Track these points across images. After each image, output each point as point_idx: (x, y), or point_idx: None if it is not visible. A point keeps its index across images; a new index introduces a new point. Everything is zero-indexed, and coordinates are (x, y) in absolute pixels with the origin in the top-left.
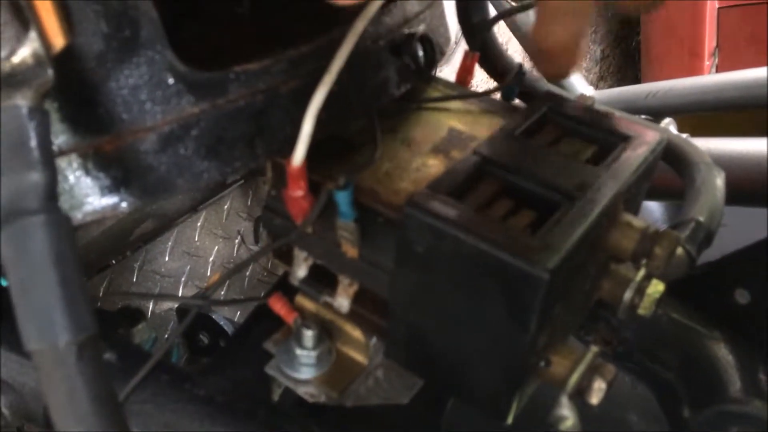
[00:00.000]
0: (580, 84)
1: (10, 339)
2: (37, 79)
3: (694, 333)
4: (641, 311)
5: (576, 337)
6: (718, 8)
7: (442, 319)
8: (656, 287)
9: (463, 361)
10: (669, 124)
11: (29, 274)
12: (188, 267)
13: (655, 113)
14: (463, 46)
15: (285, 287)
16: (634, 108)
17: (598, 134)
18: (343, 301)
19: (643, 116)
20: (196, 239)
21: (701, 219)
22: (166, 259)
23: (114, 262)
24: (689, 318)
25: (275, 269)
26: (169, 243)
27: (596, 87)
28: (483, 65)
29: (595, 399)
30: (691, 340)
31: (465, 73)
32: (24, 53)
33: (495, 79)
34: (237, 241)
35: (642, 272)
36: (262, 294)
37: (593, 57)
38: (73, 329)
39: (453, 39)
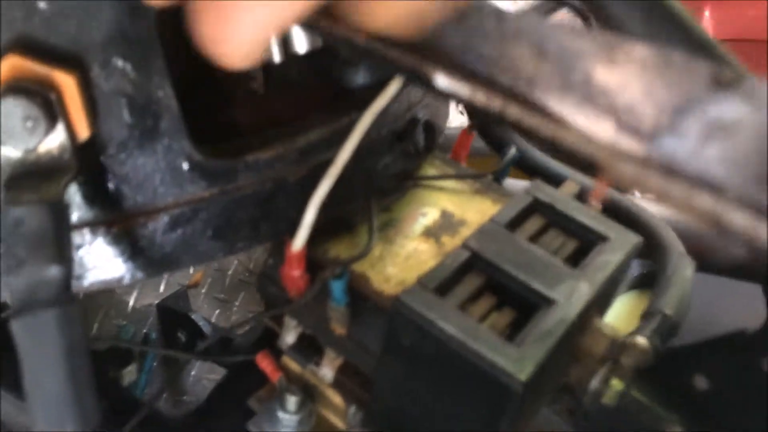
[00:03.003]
0: None
1: (8, 379)
2: (60, 169)
3: (653, 414)
4: (606, 401)
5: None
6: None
7: (421, 404)
8: (621, 381)
9: None
10: None
11: (42, 365)
12: None
13: None
14: None
15: (270, 340)
16: None
17: (580, 230)
18: (327, 372)
19: None
20: None
21: (669, 313)
22: None
23: None
24: (650, 399)
25: (256, 270)
26: None
27: None
28: (481, 136)
29: None
30: (650, 421)
31: (460, 149)
32: (50, 144)
33: (492, 150)
34: None
35: (608, 365)
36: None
37: None
38: (79, 422)
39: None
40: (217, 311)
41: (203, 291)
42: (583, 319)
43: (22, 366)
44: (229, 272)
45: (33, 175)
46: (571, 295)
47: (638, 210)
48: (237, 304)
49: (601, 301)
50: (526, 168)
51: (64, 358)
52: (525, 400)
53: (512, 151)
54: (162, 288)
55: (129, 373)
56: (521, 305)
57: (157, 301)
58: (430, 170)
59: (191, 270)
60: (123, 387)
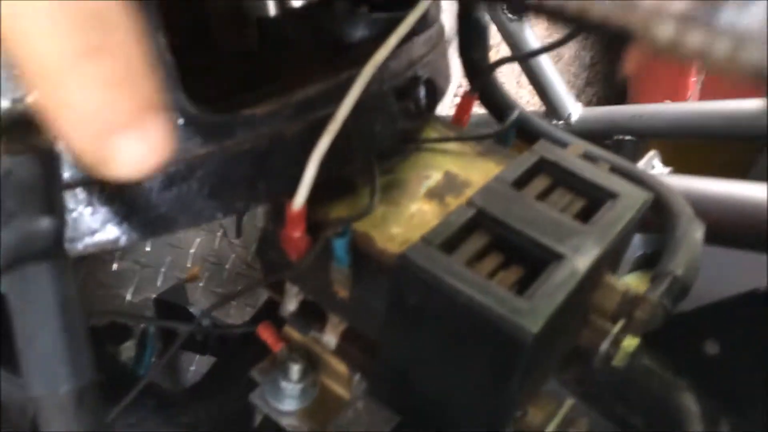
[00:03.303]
0: (567, 98)
1: (6, 355)
2: None
3: (662, 380)
4: (616, 363)
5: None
6: None
7: (428, 366)
8: (631, 341)
9: (445, 406)
10: (653, 157)
11: (34, 321)
12: (168, 258)
13: (639, 135)
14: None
15: (272, 311)
16: (619, 128)
17: (588, 188)
18: (331, 339)
19: (627, 137)
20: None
21: (679, 273)
22: (147, 248)
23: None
24: (659, 365)
25: (255, 263)
26: None
27: (583, 92)
28: (483, 103)
29: None
30: (659, 387)
31: (462, 112)
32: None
33: (493, 117)
34: (219, 234)
35: (619, 325)
36: (251, 318)
37: (582, 63)
38: (73, 377)
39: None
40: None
41: (201, 284)
42: (594, 274)
43: (14, 325)
44: (227, 266)
45: (22, 127)
46: (581, 249)
47: (645, 173)
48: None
49: (612, 259)
50: (528, 134)
51: (56, 313)
52: (536, 356)
53: (515, 112)
54: (159, 282)
55: (127, 349)
56: (529, 263)
57: (154, 295)
58: (432, 134)
59: (188, 264)
60: (121, 362)
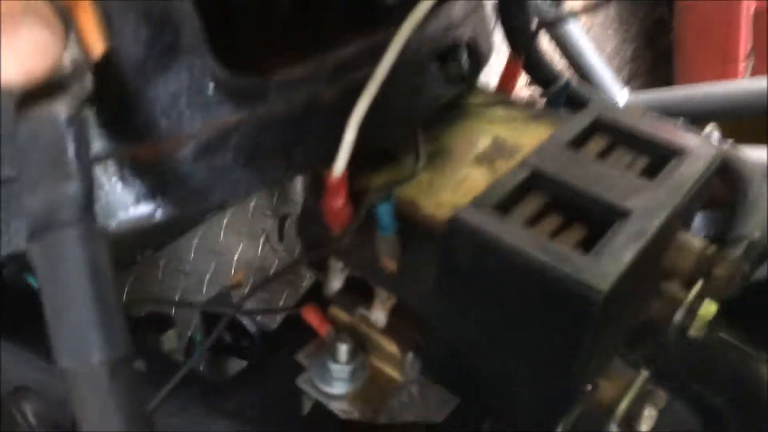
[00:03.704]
0: (612, 84)
1: (36, 345)
2: (75, 85)
3: (743, 354)
4: (692, 333)
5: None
6: (754, 10)
7: (485, 337)
8: (708, 308)
9: (506, 381)
10: (712, 131)
11: (63, 289)
12: (212, 265)
13: (692, 118)
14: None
15: (318, 294)
16: (670, 112)
17: (651, 145)
18: (379, 315)
19: (680, 119)
20: (221, 237)
21: (755, 236)
22: (191, 257)
23: (140, 258)
24: (738, 338)
25: (299, 267)
26: (195, 240)
27: (626, 86)
28: (527, 71)
29: (645, 427)
30: (739, 362)
31: (508, 79)
32: (63, 59)
33: (539, 86)
34: (261, 239)
35: (694, 292)
36: (295, 303)
37: (624, 57)
38: (106, 348)
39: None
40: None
41: (246, 291)
42: (666, 233)
43: (42, 293)
44: (271, 271)
45: (47, 92)
46: (650, 205)
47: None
48: (281, 303)
49: (684, 218)
50: (576, 102)
51: (87, 280)
52: (606, 321)
53: (564, 78)
54: (204, 290)
55: (169, 339)
56: (593, 222)
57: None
58: (477, 100)
59: (232, 271)
60: (162, 352)
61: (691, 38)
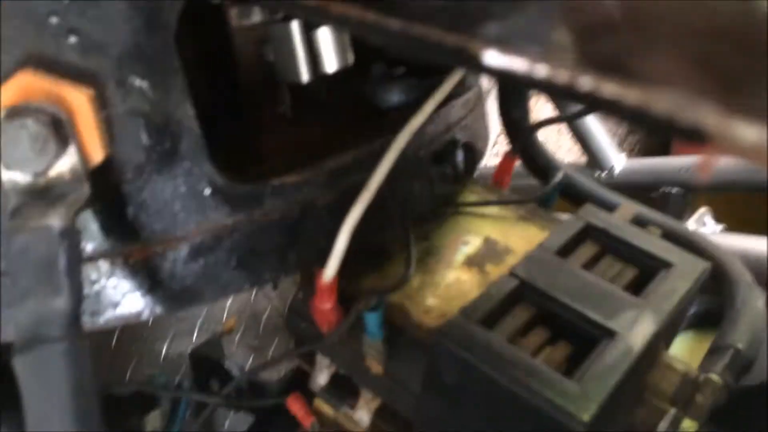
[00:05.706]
0: (610, 149)
1: (11, 426)
2: (72, 194)
3: None
4: None
5: None
6: None
7: None
8: (692, 423)
9: None
10: (704, 214)
11: (47, 406)
12: (204, 311)
13: (687, 187)
14: None
15: (302, 383)
16: (665, 180)
17: (640, 257)
18: (363, 415)
19: (674, 189)
20: None
21: (740, 347)
22: None
23: None
24: None
25: None
26: None
27: (625, 140)
28: (524, 163)
29: None
30: None
31: (502, 174)
32: (61, 168)
33: (536, 177)
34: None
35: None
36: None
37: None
38: None
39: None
40: (251, 357)
41: (237, 337)
42: (649, 353)
43: (24, 408)
44: (264, 317)
45: (42, 201)
46: (635, 325)
47: (700, 237)
48: (272, 350)
49: (668, 334)
50: (573, 196)
51: (70, 399)
52: None
53: (559, 174)
54: (195, 334)
55: (152, 420)
56: (578, 339)
57: (190, 349)
58: (470, 197)
59: (224, 316)
60: None
61: None
